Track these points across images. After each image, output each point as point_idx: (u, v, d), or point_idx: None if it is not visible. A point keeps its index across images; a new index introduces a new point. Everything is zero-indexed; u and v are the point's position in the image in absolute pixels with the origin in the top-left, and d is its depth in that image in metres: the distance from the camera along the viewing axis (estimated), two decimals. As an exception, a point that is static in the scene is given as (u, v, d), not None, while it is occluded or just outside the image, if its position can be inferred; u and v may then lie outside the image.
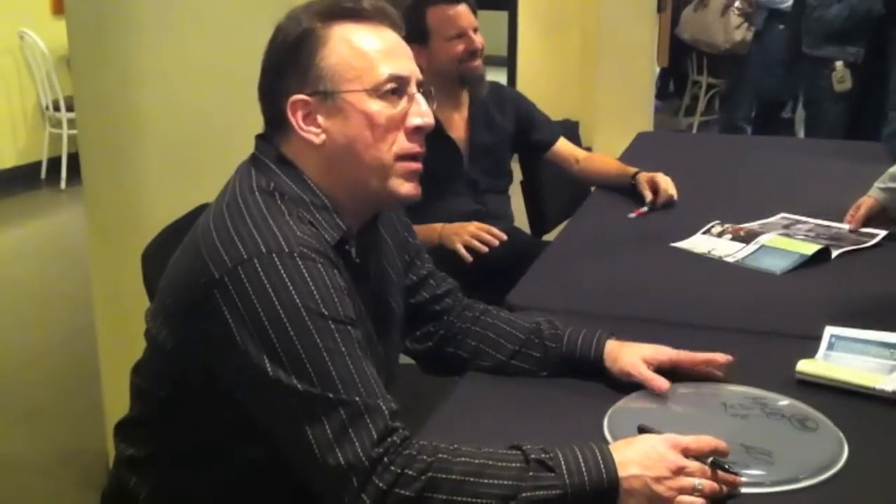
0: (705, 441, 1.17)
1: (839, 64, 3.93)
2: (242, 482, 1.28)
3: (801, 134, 5.66)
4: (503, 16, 7.17)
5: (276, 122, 1.29)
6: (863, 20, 3.85)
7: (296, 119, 1.25)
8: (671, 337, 1.51)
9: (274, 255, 1.15)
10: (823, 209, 2.32)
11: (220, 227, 1.20)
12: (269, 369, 1.12)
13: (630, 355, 1.44)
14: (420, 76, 1.30)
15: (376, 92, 1.25)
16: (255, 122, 2.22)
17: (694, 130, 7.26)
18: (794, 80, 5.36)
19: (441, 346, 1.54)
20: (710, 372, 1.45)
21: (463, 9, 2.43)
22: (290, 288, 1.13)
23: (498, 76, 6.29)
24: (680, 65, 7.69)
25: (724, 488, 1.14)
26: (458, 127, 2.51)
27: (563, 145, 2.69)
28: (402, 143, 1.27)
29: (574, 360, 1.47)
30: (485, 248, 2.23)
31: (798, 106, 5.90)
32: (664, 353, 1.44)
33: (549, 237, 2.69)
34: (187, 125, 2.20)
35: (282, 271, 1.14)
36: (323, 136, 1.25)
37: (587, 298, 1.88)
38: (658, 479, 1.11)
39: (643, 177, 2.49)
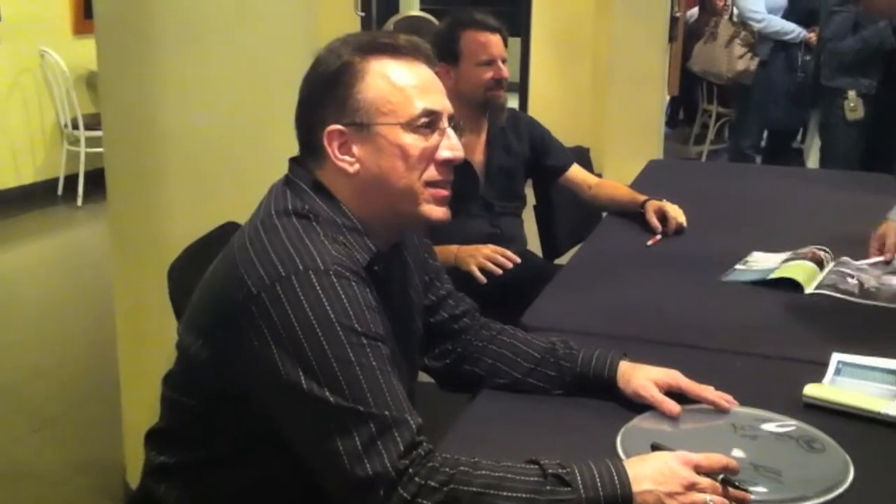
0: (716, 458, 1.21)
1: (852, 93, 4.00)
2: (271, 490, 1.33)
3: (810, 163, 5.72)
4: (516, 42, 7.26)
5: (311, 149, 1.35)
6: (875, 52, 3.92)
7: (332, 148, 1.31)
8: (682, 359, 1.55)
9: (310, 272, 1.20)
10: (833, 239, 2.35)
11: (256, 245, 1.25)
12: (303, 382, 1.17)
13: (641, 378, 1.48)
14: (451, 110, 1.36)
15: (410, 126, 1.31)
16: (278, 142, 2.28)
17: (703, 158, 7.32)
18: (801, 110, 5.43)
19: (458, 364, 1.59)
20: (716, 404, 1.48)
21: (496, 38, 2.51)
22: (326, 304, 1.18)
23: (510, 102, 6.38)
24: (690, 93, 7.77)
25: None
26: (475, 150, 2.57)
27: (576, 171, 2.75)
28: (431, 172, 1.33)
29: (587, 379, 1.52)
30: (499, 271, 2.28)
31: (806, 136, 5.95)
32: (674, 378, 1.48)
33: (561, 260, 2.74)
34: (211, 143, 2.25)
35: (318, 288, 1.19)
36: (357, 166, 1.31)
37: (600, 320, 1.93)
38: (670, 495, 1.15)
39: (651, 205, 2.54)
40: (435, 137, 1.33)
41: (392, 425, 1.15)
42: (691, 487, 1.17)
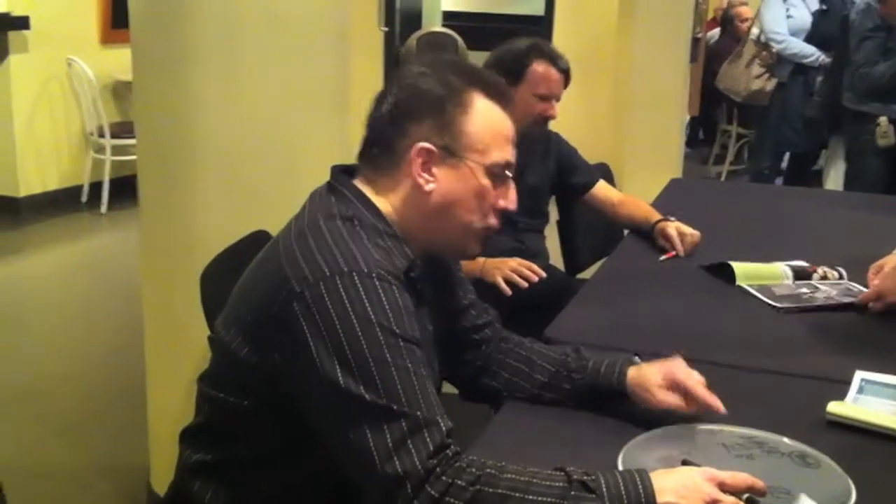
0: (742, 478, 1.22)
1: (883, 119, 4.01)
2: (305, 489, 1.37)
3: (829, 186, 5.72)
4: (537, 59, 7.30)
5: (381, 155, 1.40)
6: None
7: (415, 163, 1.36)
8: (703, 376, 1.54)
9: (354, 273, 1.24)
10: (847, 260, 2.37)
11: (302, 246, 1.29)
12: (340, 378, 1.20)
13: (646, 386, 1.48)
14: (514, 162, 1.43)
15: (491, 169, 1.38)
16: (310, 150, 2.34)
17: (723, 178, 7.33)
18: (818, 133, 5.43)
19: (478, 377, 1.62)
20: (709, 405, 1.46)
21: (560, 78, 2.56)
22: (367, 305, 1.22)
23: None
24: (710, 114, 7.78)
25: None
26: None
27: (600, 189, 2.78)
28: (491, 218, 1.42)
29: (597, 387, 1.53)
30: (524, 283, 2.31)
31: (827, 158, 5.96)
32: (672, 376, 1.47)
33: (583, 275, 2.76)
34: (244, 151, 2.29)
35: (360, 289, 1.23)
36: (432, 186, 1.37)
37: (622, 334, 1.95)
38: None
39: (659, 227, 2.56)
40: (502, 186, 1.41)
41: (423, 425, 1.19)
42: None
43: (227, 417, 1.40)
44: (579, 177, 2.77)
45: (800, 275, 2.29)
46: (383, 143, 1.39)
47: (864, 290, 2.17)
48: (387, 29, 6.38)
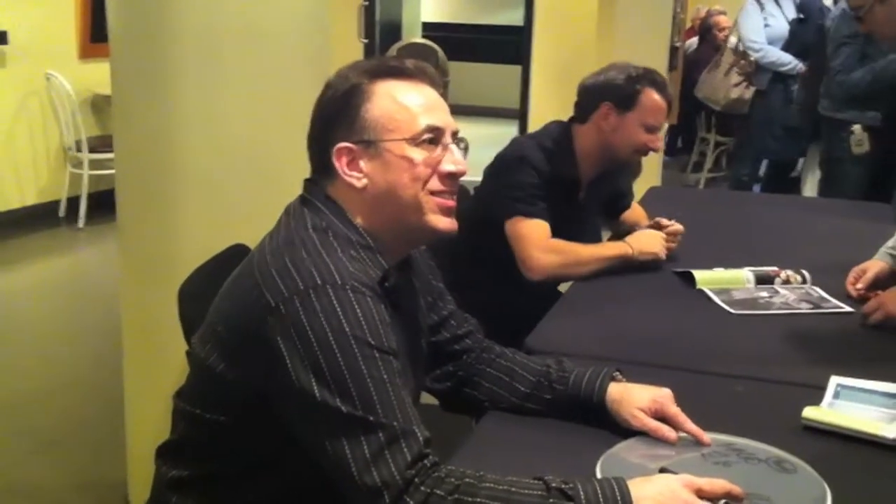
0: (719, 484, 1.22)
1: (857, 128, 4.01)
2: (282, 501, 1.36)
3: (806, 193, 5.78)
4: (516, 70, 7.32)
5: (322, 168, 1.40)
6: (887, 86, 3.94)
7: (340, 164, 1.37)
8: (681, 384, 1.56)
9: (328, 286, 1.24)
10: (815, 264, 2.40)
11: (277, 260, 1.29)
12: (316, 391, 1.20)
13: (630, 407, 1.49)
14: (456, 127, 1.41)
15: (414, 141, 1.36)
16: (291, 164, 2.32)
17: (701, 186, 7.38)
18: (798, 141, 5.48)
19: (459, 387, 1.62)
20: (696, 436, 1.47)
21: (667, 110, 2.51)
22: (342, 317, 1.22)
23: (510, 129, 6.43)
24: (689, 122, 7.84)
25: None
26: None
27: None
28: (434, 182, 1.38)
29: (578, 400, 1.53)
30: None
31: (804, 165, 6.01)
32: (661, 405, 1.48)
33: (562, 286, 2.77)
34: (224, 166, 2.29)
35: (335, 302, 1.23)
36: (365, 181, 1.37)
37: (602, 344, 1.96)
38: None
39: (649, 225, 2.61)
40: (439, 151, 1.39)
41: (400, 436, 1.19)
42: None
43: (203, 433, 1.39)
44: (628, 199, 2.84)
45: (762, 279, 2.32)
46: (316, 158, 1.41)
47: (824, 294, 2.22)
48: (367, 41, 6.39)
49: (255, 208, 2.30)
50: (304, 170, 2.58)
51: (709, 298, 2.22)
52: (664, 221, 2.56)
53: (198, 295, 1.86)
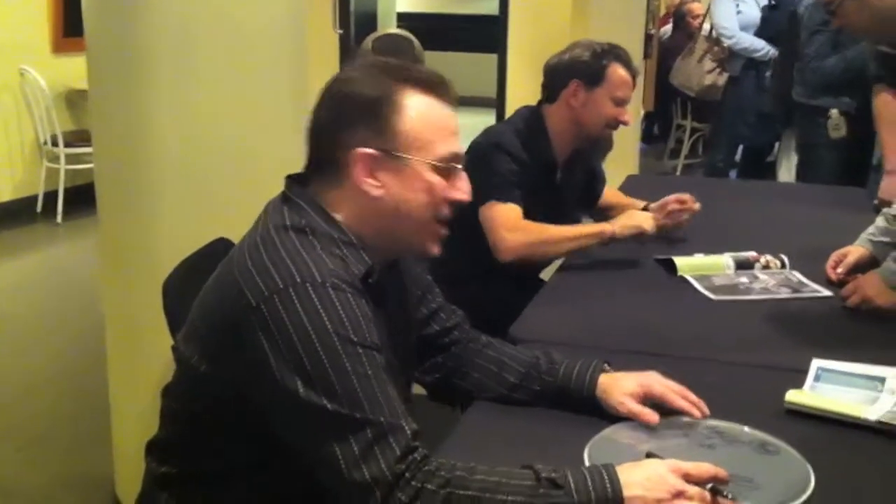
0: (705, 468, 1.24)
1: (834, 112, 4.08)
2: (273, 498, 1.36)
3: (782, 178, 5.83)
4: (492, 58, 7.33)
5: (326, 165, 1.38)
6: (858, 74, 4.00)
7: (357, 169, 1.34)
8: (665, 370, 1.58)
9: (308, 284, 1.24)
10: (793, 249, 2.43)
11: (255, 259, 1.29)
12: (301, 390, 1.20)
13: (618, 394, 1.51)
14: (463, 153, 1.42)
15: (437, 164, 1.36)
16: (270, 158, 2.34)
17: (678, 172, 7.43)
18: (772, 126, 5.53)
19: (448, 378, 1.63)
20: (688, 412, 1.51)
21: (632, 83, 2.53)
22: (323, 315, 1.22)
23: (486, 117, 6.43)
24: (665, 109, 7.88)
25: None
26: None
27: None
28: (444, 210, 1.39)
29: (568, 392, 1.55)
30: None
31: (779, 151, 6.06)
32: (648, 388, 1.51)
33: (543, 274, 2.79)
34: (204, 159, 2.28)
35: (315, 299, 1.23)
36: (381, 191, 1.35)
37: (585, 332, 1.98)
38: (659, 501, 1.19)
39: (656, 204, 2.62)
40: (453, 179, 1.39)
41: (388, 431, 1.19)
42: (679, 495, 1.20)
43: (191, 431, 1.39)
44: (601, 182, 2.85)
45: (742, 265, 2.35)
46: (324, 154, 1.38)
47: (803, 278, 2.25)
48: (342, 31, 6.38)
49: (237, 202, 2.29)
50: (283, 163, 2.58)
51: (690, 285, 2.24)
52: (685, 197, 2.59)
53: (182, 289, 1.86)
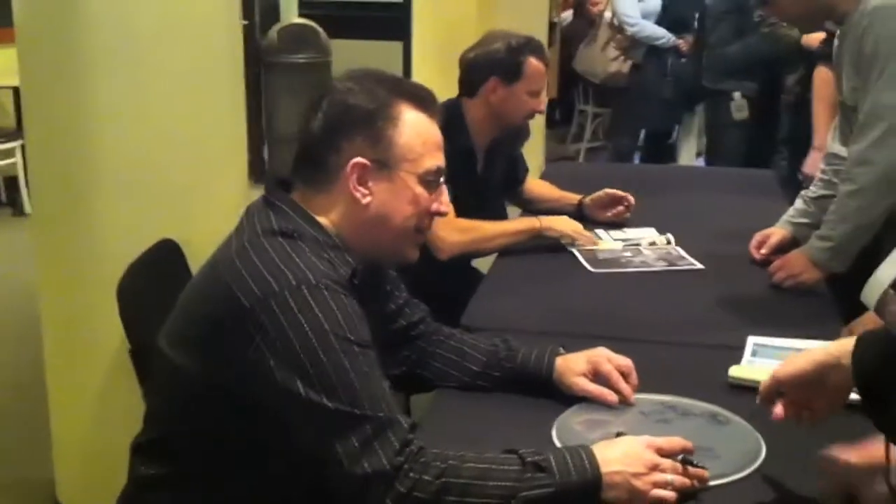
0: (676, 441, 1.35)
1: (737, 95, 4.35)
2: (263, 498, 1.41)
3: (683, 161, 6.09)
4: (398, 47, 7.35)
5: (313, 172, 1.43)
6: (758, 60, 4.25)
7: (350, 178, 1.40)
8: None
9: (303, 286, 1.29)
10: (686, 229, 2.60)
11: (246, 264, 1.32)
12: (301, 390, 1.25)
13: (571, 375, 1.61)
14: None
15: (424, 177, 1.44)
16: (211, 157, 2.34)
17: (581, 156, 7.62)
18: (673, 111, 5.77)
19: (412, 370, 1.70)
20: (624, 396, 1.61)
21: (546, 70, 2.60)
22: (320, 316, 1.27)
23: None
24: (567, 95, 8.06)
25: (695, 482, 1.32)
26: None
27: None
28: (424, 221, 1.47)
29: (526, 377, 1.65)
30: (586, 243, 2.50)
31: (680, 133, 6.30)
32: (596, 365, 1.61)
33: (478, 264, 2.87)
34: (145, 159, 2.27)
35: (311, 301, 1.28)
36: (369, 199, 1.42)
37: (533, 318, 2.07)
38: (636, 475, 1.29)
39: (592, 198, 2.74)
40: (435, 191, 1.47)
41: (386, 426, 1.25)
42: (654, 468, 1.30)
43: (181, 432, 1.42)
44: (523, 165, 2.91)
45: (628, 241, 2.53)
46: (316, 160, 1.43)
47: (683, 253, 2.43)
48: (247, 22, 6.30)
49: (180, 203, 2.30)
50: (226, 159, 2.59)
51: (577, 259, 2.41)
52: (619, 193, 2.71)
53: (136, 293, 1.87)
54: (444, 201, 1.49)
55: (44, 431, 2.57)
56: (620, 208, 2.72)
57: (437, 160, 1.47)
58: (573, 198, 2.81)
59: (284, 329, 1.26)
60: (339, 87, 1.45)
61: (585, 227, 2.57)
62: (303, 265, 1.31)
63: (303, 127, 1.45)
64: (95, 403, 2.41)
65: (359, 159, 1.40)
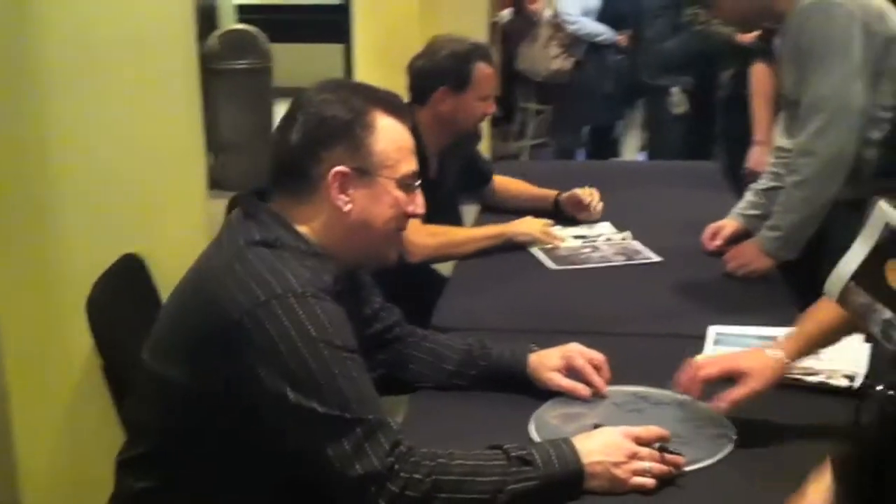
0: (653, 430, 1.41)
1: (676, 90, 4.45)
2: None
3: (626, 156, 6.20)
4: (339, 49, 7.36)
5: (291, 182, 1.46)
6: (694, 55, 4.36)
7: (331, 187, 1.43)
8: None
9: (289, 295, 1.31)
10: (638, 223, 2.67)
11: (232, 274, 1.35)
12: (291, 396, 1.28)
13: (545, 370, 1.67)
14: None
15: (401, 181, 1.48)
16: (173, 171, 2.33)
17: (527, 153, 7.70)
18: (616, 106, 5.88)
19: (389, 373, 1.73)
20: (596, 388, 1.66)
21: (493, 73, 2.61)
22: (307, 323, 1.30)
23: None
24: (508, 93, 8.13)
25: (672, 469, 1.37)
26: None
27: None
28: (403, 223, 1.52)
29: (501, 374, 1.70)
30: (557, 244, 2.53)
31: (623, 129, 6.41)
32: (569, 360, 1.67)
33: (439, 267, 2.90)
34: (106, 175, 2.24)
35: (297, 309, 1.31)
36: (351, 206, 1.45)
37: (501, 316, 2.12)
38: (616, 464, 1.34)
39: (567, 195, 2.78)
40: (411, 194, 1.51)
41: (376, 428, 1.29)
42: (633, 456, 1.36)
43: (172, 444, 1.43)
44: (485, 164, 2.94)
45: (586, 238, 2.59)
46: (295, 171, 1.46)
47: (640, 247, 2.49)
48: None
49: (143, 218, 2.28)
50: (184, 175, 2.57)
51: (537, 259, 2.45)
52: (587, 192, 2.75)
53: (106, 309, 1.87)
54: (419, 203, 1.53)
55: (9, 454, 2.53)
56: (594, 208, 2.75)
57: (412, 164, 1.51)
58: (550, 194, 2.84)
59: (272, 338, 1.29)
60: (314, 99, 1.47)
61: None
62: (287, 274, 1.34)
63: (277, 139, 1.47)
64: (63, 424, 2.38)
65: (340, 168, 1.43)
